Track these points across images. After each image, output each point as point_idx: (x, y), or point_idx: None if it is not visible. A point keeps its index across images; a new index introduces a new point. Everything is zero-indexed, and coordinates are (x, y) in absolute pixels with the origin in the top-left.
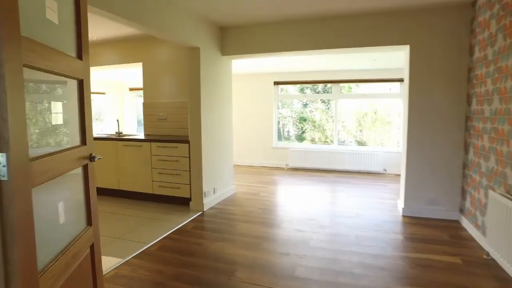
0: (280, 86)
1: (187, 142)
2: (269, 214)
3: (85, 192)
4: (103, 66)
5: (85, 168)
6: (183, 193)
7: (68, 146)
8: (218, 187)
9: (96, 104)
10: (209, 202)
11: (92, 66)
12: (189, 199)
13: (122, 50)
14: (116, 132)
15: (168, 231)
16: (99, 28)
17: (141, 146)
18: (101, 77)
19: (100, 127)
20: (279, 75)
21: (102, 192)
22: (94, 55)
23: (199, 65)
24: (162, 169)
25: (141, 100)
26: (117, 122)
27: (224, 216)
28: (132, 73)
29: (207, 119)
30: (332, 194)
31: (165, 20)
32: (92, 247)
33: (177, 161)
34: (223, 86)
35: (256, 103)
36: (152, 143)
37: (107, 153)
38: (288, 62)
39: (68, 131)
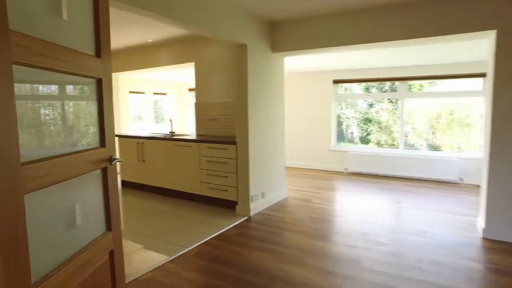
0: (343, 85)
1: (236, 143)
2: (319, 224)
3: (104, 196)
4: (159, 68)
5: (104, 170)
6: (230, 196)
7: (82, 148)
8: (267, 191)
9: (157, 104)
10: (256, 207)
11: (149, 67)
12: (235, 203)
13: (176, 51)
14: (169, 132)
15: (209, 236)
16: (154, 29)
17: (191, 146)
18: (162, 78)
19: (160, 127)
20: (339, 73)
21: (155, 190)
22: (150, 56)
23: (246, 63)
24: (210, 171)
25: None
26: (170, 122)
27: (270, 223)
28: (191, 74)
29: (255, 120)
30: (395, 205)
31: (209, 16)
32: (111, 253)
33: (225, 163)
34: (274, 84)
35: (313, 103)
36: (201, 144)
37: (160, 153)
38: (348, 59)
39: (85, 132)
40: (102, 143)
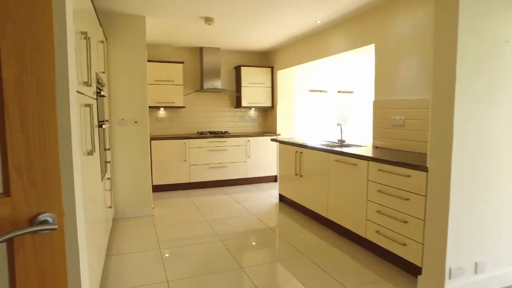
0: None
1: (426, 168)
2: None
3: None
4: (332, 56)
5: (10, 245)
6: (410, 254)
7: None
8: (488, 261)
9: (343, 104)
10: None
11: (320, 57)
12: (418, 269)
13: (350, 31)
14: (338, 140)
15: None
16: (326, 6)
17: (355, 165)
18: (348, 72)
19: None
20: None
21: (310, 214)
22: (321, 43)
23: (455, 32)
24: (382, 206)
25: None
26: (339, 126)
27: None
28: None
29: (467, 130)
30: None
31: None
32: None
33: (406, 199)
34: None
35: None
36: (370, 163)
37: (318, 168)
38: None
39: None
40: (6, 189)
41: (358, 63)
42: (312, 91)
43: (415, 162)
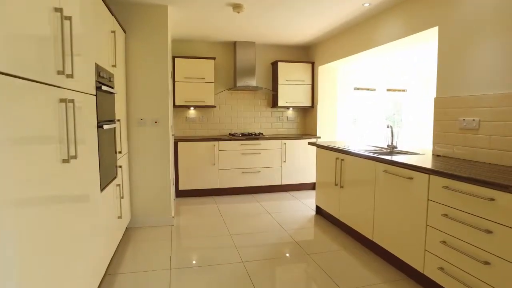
0: None
1: None
2: None
3: None
4: (383, 46)
5: None
6: None
7: None
8: None
9: (395, 104)
10: None
11: (367, 49)
12: None
13: (406, 13)
14: (388, 146)
15: None
16: None
17: (411, 178)
18: (399, 68)
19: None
20: None
21: (353, 234)
22: (369, 31)
23: None
24: (448, 236)
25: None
26: (389, 129)
27: None
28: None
29: None
30: None
31: None
32: None
33: (489, 231)
34: None
35: None
36: (432, 177)
37: (362, 179)
38: None
39: None
40: None
41: (409, 57)
42: (357, 89)
43: (502, 181)
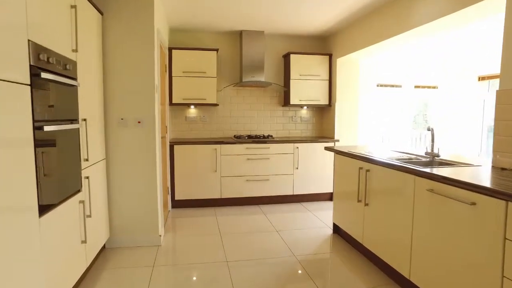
0: None
1: None
2: None
3: None
4: (415, 30)
5: None
6: None
7: None
8: None
9: (424, 103)
10: None
11: (398, 33)
12: None
13: None
14: (426, 154)
15: None
16: None
17: (473, 204)
18: (428, 63)
19: (424, 140)
20: None
21: (385, 268)
22: (399, 12)
23: None
24: None
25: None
26: (430, 132)
27: None
28: (485, 48)
29: None
30: None
31: None
32: None
33: None
34: None
35: None
36: (511, 204)
37: (394, 197)
38: None
39: None
40: None
41: (442, 48)
42: (381, 85)
43: None
